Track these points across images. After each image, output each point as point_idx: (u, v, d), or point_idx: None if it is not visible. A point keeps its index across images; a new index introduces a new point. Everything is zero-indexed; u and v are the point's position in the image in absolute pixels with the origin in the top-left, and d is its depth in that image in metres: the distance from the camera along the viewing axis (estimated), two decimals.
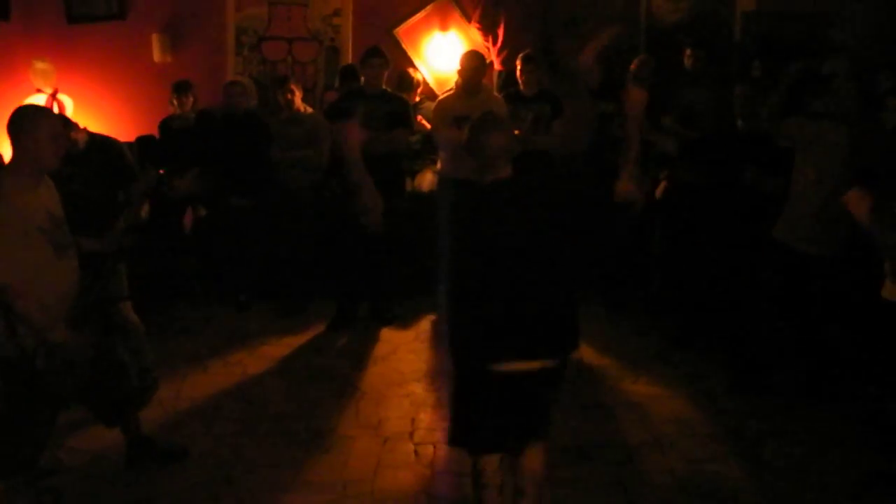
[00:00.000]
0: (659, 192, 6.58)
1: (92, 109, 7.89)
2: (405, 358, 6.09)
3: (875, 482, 4.46)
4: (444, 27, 8.20)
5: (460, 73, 6.65)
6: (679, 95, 6.82)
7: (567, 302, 3.65)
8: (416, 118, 7.08)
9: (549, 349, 3.57)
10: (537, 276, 3.49)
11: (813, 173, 5.07)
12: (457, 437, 3.73)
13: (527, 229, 3.50)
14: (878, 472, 4.52)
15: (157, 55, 8.17)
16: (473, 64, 6.59)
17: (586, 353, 6.18)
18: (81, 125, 5.30)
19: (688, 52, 6.97)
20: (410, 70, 7.85)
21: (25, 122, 3.80)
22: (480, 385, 3.52)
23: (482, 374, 3.48)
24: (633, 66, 6.91)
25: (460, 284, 3.52)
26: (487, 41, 7.96)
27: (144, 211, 5.97)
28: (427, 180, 7.25)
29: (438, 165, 6.91)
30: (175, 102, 7.22)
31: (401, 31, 8.19)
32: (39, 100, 7.58)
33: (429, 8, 8.19)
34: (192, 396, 5.46)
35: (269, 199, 6.99)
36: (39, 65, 7.74)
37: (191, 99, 7.25)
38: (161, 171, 6.95)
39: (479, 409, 3.58)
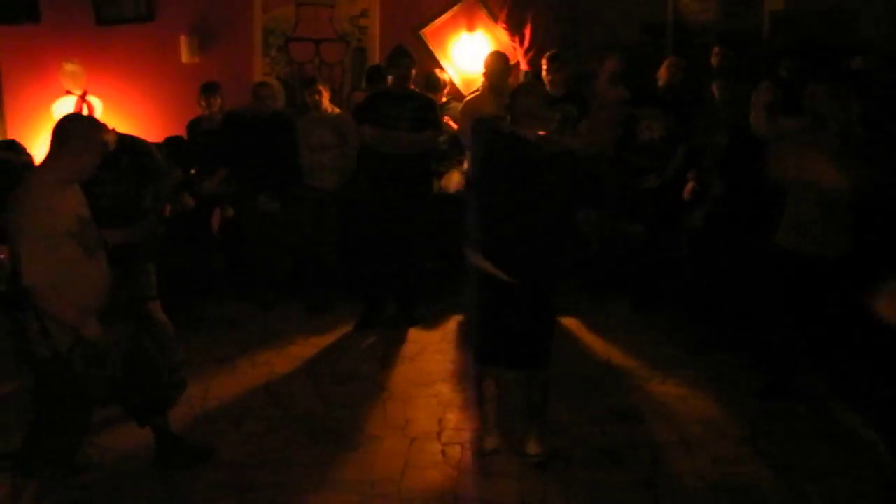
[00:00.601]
0: (687, 192, 6.54)
1: (121, 111, 7.94)
2: (432, 358, 6.09)
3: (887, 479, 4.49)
4: (470, 27, 8.19)
5: (486, 74, 6.66)
6: (706, 96, 6.81)
7: (552, 242, 4.40)
8: (442, 119, 7.07)
9: (533, 274, 4.35)
10: (528, 215, 4.31)
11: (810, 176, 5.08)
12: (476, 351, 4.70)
13: (528, 175, 4.35)
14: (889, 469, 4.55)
15: (185, 56, 8.21)
16: (499, 65, 6.60)
17: (613, 354, 6.17)
18: (110, 126, 5.33)
19: (715, 50, 6.93)
20: (437, 70, 7.84)
21: (80, 132, 3.85)
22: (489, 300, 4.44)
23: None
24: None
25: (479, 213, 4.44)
26: (514, 41, 7.94)
27: (188, 200, 6.01)
28: (454, 181, 7.24)
29: (465, 166, 6.91)
30: (203, 103, 7.25)
31: (427, 31, 8.19)
32: (69, 101, 7.67)
33: (455, 8, 8.18)
34: (219, 396, 5.49)
35: (297, 200, 7.01)
36: (69, 66, 7.80)
37: (219, 100, 7.28)
38: (192, 172, 6.99)
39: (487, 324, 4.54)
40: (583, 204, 5.32)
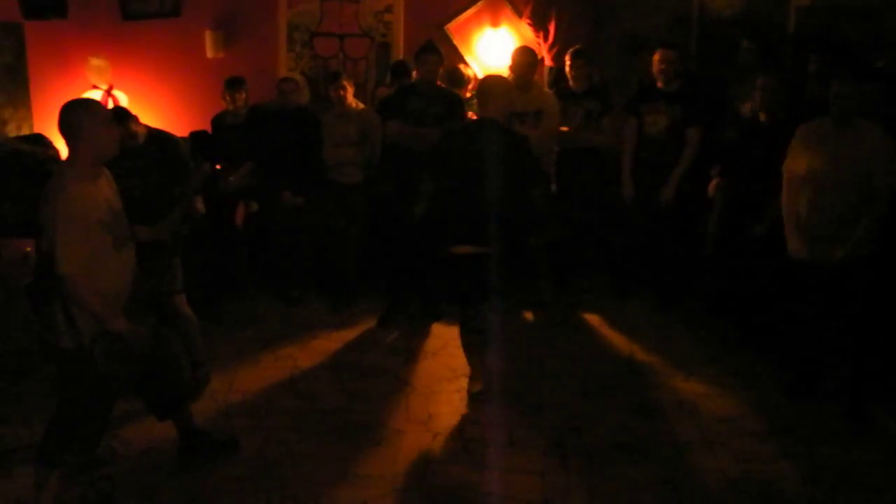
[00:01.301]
0: (711, 189, 6.51)
1: (146, 105, 7.98)
2: (455, 353, 6.07)
3: None
4: (495, 23, 8.18)
5: (512, 68, 6.65)
6: (731, 91, 6.77)
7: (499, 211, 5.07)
8: (467, 114, 7.07)
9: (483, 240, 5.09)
10: (478, 189, 5.05)
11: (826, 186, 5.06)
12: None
13: (478, 153, 5.10)
14: None
15: (210, 51, 8.24)
16: (526, 60, 6.58)
17: (636, 351, 6.16)
18: (140, 119, 5.38)
19: (745, 43, 6.89)
20: (462, 66, 7.84)
21: (74, 116, 3.85)
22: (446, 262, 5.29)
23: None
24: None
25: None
26: (538, 37, 7.93)
27: (200, 205, 6.03)
28: None
29: None
30: (227, 98, 7.27)
31: (452, 26, 8.18)
32: (95, 96, 7.70)
33: (480, 4, 8.17)
34: (243, 390, 5.51)
35: (321, 195, 7.03)
36: (95, 61, 7.85)
37: (243, 95, 7.30)
38: (217, 167, 7.01)
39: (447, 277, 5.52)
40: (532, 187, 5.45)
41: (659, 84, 6.73)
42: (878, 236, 5.03)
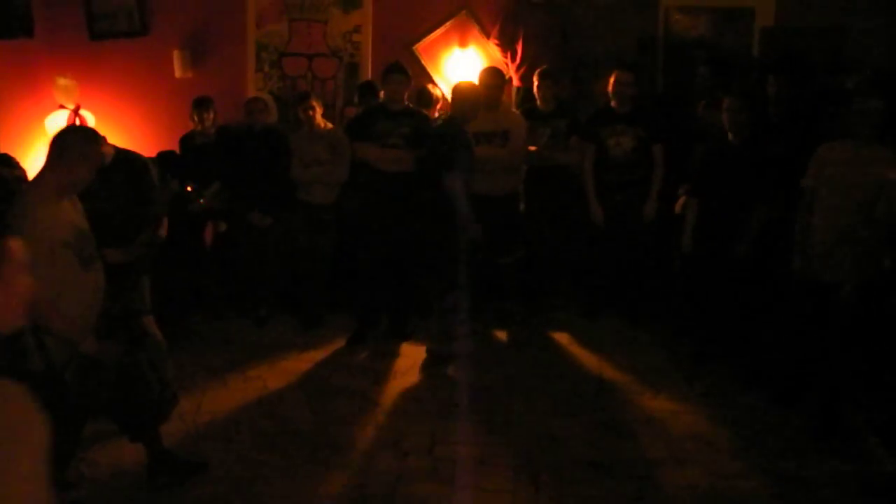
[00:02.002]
0: (678, 207, 6.57)
1: (113, 125, 7.94)
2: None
3: (870, 486, 4.57)
4: (463, 43, 8.22)
5: (480, 88, 6.68)
6: (696, 110, 6.84)
7: None
8: None
9: None
10: None
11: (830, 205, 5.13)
12: None
13: None
14: (880, 479, 4.63)
15: (178, 71, 8.23)
16: (493, 80, 6.63)
17: (605, 369, 6.18)
18: (107, 140, 5.35)
19: (706, 65, 6.96)
20: (430, 86, 7.87)
21: (77, 144, 3.85)
22: None
23: None
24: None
25: None
26: (506, 57, 7.98)
27: (163, 230, 5.98)
28: None
29: None
30: (196, 118, 7.25)
31: (420, 47, 8.22)
32: (62, 116, 7.67)
33: (448, 24, 8.22)
34: (211, 411, 5.48)
35: (290, 215, 7.02)
36: (62, 81, 7.82)
37: (211, 115, 7.29)
38: (189, 189, 6.98)
39: None
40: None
41: (613, 104, 6.80)
42: (868, 264, 5.10)
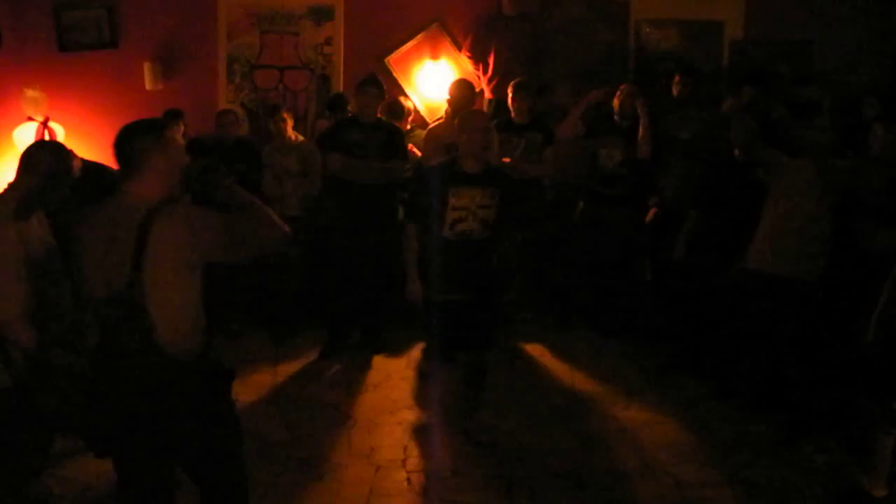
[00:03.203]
0: (649, 218, 6.61)
1: (83, 137, 7.88)
2: (397, 385, 6.09)
3: (838, 494, 4.60)
4: (434, 56, 8.24)
5: (450, 101, 6.70)
6: (666, 123, 6.87)
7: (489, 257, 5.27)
8: (407, 147, 7.10)
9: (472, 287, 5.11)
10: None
11: (784, 206, 5.18)
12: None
13: None
14: (851, 492, 4.62)
15: (148, 83, 8.19)
16: (463, 92, 6.64)
17: (577, 380, 6.20)
18: (76, 153, 5.30)
19: (676, 78, 7.01)
20: (402, 98, 7.88)
21: (48, 160, 3.82)
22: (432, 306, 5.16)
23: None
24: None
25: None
26: (478, 69, 8.01)
27: None
28: None
29: None
30: None
31: (392, 59, 8.23)
32: (30, 128, 7.61)
33: (420, 36, 8.24)
34: None
35: None
36: (30, 93, 7.76)
37: (182, 127, 7.25)
38: None
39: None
40: None
41: (616, 119, 6.82)
42: (824, 263, 5.16)
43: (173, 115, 7.22)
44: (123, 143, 3.31)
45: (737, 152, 5.84)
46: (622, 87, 6.89)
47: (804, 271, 5.19)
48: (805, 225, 5.20)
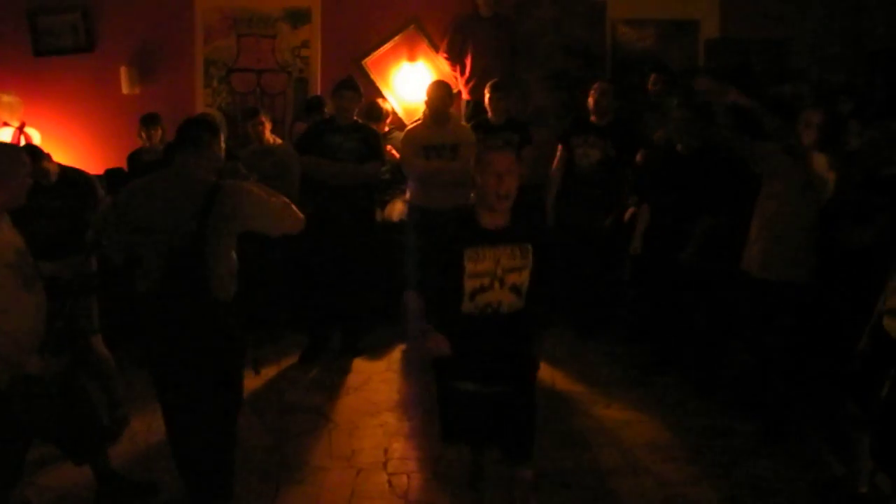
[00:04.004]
0: (627, 217, 6.63)
1: (60, 142, 7.86)
2: (378, 388, 6.08)
3: (819, 491, 4.63)
4: (411, 57, 8.25)
5: (428, 103, 6.69)
6: (643, 122, 6.90)
7: (524, 334, 3.98)
8: (385, 148, 7.09)
9: (503, 376, 3.92)
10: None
11: (774, 205, 5.20)
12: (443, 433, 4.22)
13: None
14: (828, 483, 4.68)
15: (125, 87, 8.16)
16: (440, 94, 6.63)
17: (558, 379, 6.21)
18: (53, 157, 5.28)
19: (652, 77, 7.03)
20: (379, 100, 7.88)
21: (2, 163, 3.78)
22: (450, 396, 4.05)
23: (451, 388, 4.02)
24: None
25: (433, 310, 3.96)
26: (455, 71, 8.02)
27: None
28: (397, 210, 7.26)
29: (408, 195, 6.93)
30: (143, 135, 7.19)
31: (369, 61, 8.24)
32: (6, 133, 7.57)
33: (397, 38, 8.24)
34: (163, 431, 5.33)
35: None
36: (6, 98, 7.72)
37: (159, 131, 7.22)
38: None
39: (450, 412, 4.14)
40: None
41: (593, 118, 6.83)
42: (811, 263, 5.19)
43: (150, 120, 7.19)
44: (191, 128, 4.19)
45: (678, 146, 5.90)
46: (596, 84, 6.87)
47: (794, 274, 5.20)
48: (795, 225, 5.21)
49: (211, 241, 3.99)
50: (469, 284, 3.76)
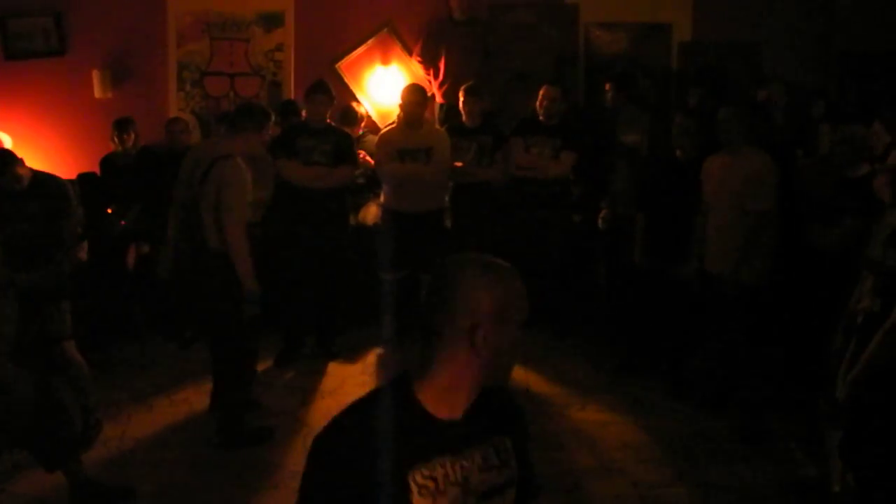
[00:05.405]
0: (600, 217, 6.65)
1: (31, 147, 7.79)
2: (352, 392, 6.05)
3: (792, 490, 4.68)
4: (385, 61, 8.25)
5: (402, 106, 6.69)
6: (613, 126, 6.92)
7: None
8: (359, 152, 7.08)
9: None
10: None
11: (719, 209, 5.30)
12: None
13: None
14: (793, 482, 4.74)
15: (97, 91, 8.11)
16: (415, 98, 6.64)
17: (532, 381, 6.22)
18: (25, 162, 5.24)
19: (607, 86, 6.98)
20: (353, 104, 7.87)
21: None
22: None
23: None
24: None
25: None
26: (429, 74, 8.03)
27: (83, 253, 5.85)
28: (371, 214, 7.26)
29: (382, 199, 6.93)
30: (116, 139, 7.16)
31: (343, 65, 8.23)
32: None
33: (370, 42, 8.24)
34: (136, 436, 5.39)
35: None
36: None
37: (132, 135, 7.20)
38: (109, 211, 6.87)
39: None
40: None
41: (541, 118, 6.85)
42: (763, 266, 5.24)
43: (123, 124, 7.15)
44: (242, 112, 5.34)
45: (678, 153, 5.92)
46: (542, 89, 6.91)
47: (745, 275, 5.27)
48: (739, 227, 5.29)
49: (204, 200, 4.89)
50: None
